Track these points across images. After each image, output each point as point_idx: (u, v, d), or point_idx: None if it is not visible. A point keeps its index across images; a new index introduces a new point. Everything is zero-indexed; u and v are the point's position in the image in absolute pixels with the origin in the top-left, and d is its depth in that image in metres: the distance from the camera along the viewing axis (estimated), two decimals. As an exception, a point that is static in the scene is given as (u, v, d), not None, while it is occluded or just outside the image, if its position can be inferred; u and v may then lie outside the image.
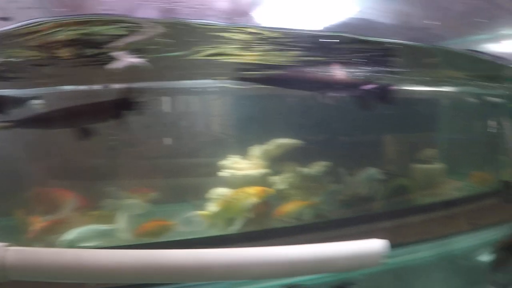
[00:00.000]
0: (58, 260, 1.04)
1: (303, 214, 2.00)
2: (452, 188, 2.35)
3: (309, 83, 1.47)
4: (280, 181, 2.12)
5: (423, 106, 2.40)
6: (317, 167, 2.13)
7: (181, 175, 2.25)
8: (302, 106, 2.19)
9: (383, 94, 1.56)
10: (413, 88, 2.33)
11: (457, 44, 2.12)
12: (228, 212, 2.00)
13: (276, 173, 2.13)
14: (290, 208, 1.99)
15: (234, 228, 1.95)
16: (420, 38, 1.90)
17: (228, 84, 2.11)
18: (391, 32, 1.74)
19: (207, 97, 2.21)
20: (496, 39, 2.12)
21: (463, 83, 2.28)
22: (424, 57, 1.89)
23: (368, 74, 1.80)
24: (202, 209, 2.02)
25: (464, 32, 2.07)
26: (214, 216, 1.99)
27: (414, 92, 2.35)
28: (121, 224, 1.83)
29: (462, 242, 2.19)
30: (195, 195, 2.06)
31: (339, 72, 1.54)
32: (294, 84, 1.52)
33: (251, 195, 1.98)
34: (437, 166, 2.38)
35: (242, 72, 1.63)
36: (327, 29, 1.44)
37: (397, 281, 1.95)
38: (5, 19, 1.00)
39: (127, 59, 1.05)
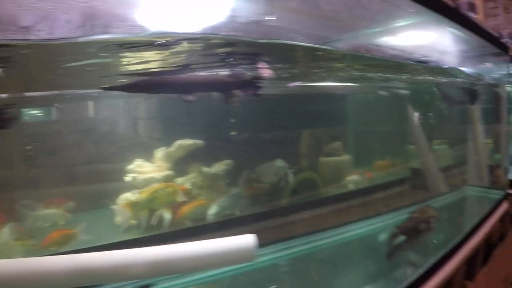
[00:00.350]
0: None
1: (202, 214, 2.04)
2: (359, 179, 2.44)
3: (175, 86, 1.49)
4: (184, 182, 2.15)
5: (329, 101, 2.48)
6: (220, 166, 2.17)
7: (92, 182, 2.25)
8: (205, 106, 2.22)
9: (253, 89, 1.60)
10: (316, 84, 2.41)
11: (352, 38, 2.21)
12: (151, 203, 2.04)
13: (179, 174, 2.16)
14: (187, 209, 2.02)
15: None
16: (311, 36, 1.97)
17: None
18: (284, 32, 1.80)
19: (106, 103, 2.21)
20: (391, 31, 2.22)
21: (365, 77, 2.36)
22: (317, 54, 1.96)
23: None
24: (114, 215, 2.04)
25: (358, 27, 2.16)
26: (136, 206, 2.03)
27: (318, 88, 2.42)
28: (4, 237, 1.81)
29: (367, 227, 2.29)
30: (108, 201, 2.07)
31: (208, 72, 1.57)
32: (159, 88, 1.54)
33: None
34: (344, 158, 2.47)
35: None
36: (206, 31, 1.47)
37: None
38: None
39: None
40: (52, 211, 2.08)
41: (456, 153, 2.94)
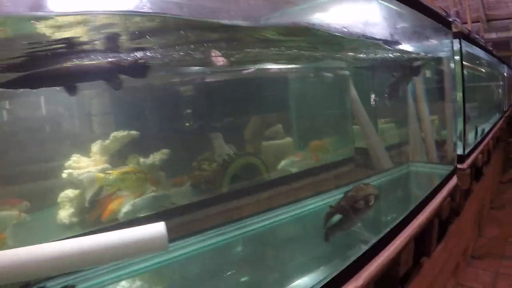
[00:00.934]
0: None
1: (134, 208, 2.06)
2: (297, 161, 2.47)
3: (57, 77, 1.49)
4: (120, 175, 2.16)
5: (269, 84, 2.50)
6: (157, 156, 2.19)
7: (32, 180, 2.25)
8: (142, 96, 2.23)
9: (137, 70, 1.61)
10: (255, 68, 2.42)
11: (280, 17, 2.21)
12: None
13: (117, 167, 2.16)
14: (115, 206, 2.04)
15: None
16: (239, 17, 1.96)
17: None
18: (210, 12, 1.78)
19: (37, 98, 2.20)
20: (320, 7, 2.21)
21: (303, 57, 2.38)
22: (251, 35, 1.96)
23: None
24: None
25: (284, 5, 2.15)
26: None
27: (257, 72, 2.44)
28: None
29: (309, 206, 2.32)
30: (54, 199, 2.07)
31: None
32: (42, 82, 1.53)
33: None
34: (285, 141, 2.50)
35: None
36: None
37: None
38: None
39: None
40: (7, 212, 2.08)
41: (401, 131, 2.99)
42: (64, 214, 2.11)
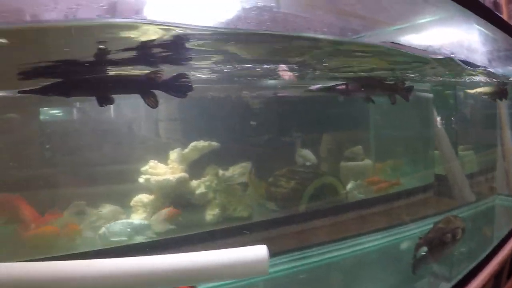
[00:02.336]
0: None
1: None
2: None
3: (93, 87, 1.43)
4: (198, 185, 2.08)
5: (349, 103, 2.39)
6: (236, 169, 2.11)
7: (108, 182, 2.23)
8: (223, 108, 2.17)
9: (176, 88, 1.52)
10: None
11: (375, 36, 2.12)
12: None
13: (194, 176, 2.10)
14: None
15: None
16: (334, 32, 1.88)
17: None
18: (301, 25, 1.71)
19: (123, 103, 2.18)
20: (414, 28, 2.13)
21: (390, 77, 2.27)
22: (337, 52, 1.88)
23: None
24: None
25: (381, 24, 2.08)
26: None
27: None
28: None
29: (391, 236, 2.17)
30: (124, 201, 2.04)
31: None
32: (77, 91, 1.49)
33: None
34: (364, 163, 2.37)
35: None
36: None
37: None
38: None
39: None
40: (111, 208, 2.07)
41: (483, 159, 2.79)
42: (136, 218, 2.06)
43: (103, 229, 1.90)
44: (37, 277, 0.92)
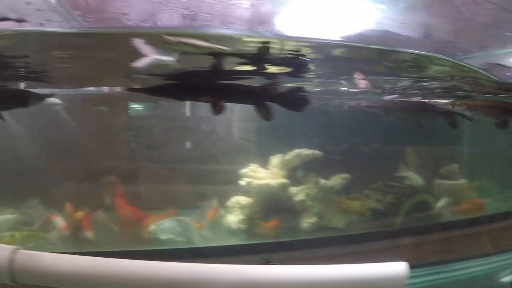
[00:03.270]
0: (66, 266, 1.04)
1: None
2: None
3: (204, 93, 1.41)
4: (298, 192, 2.08)
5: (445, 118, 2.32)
6: (337, 180, 2.09)
7: (202, 181, 2.27)
8: (326, 117, 2.15)
9: (292, 101, 1.48)
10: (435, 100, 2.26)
11: (481, 57, 2.05)
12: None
13: (293, 183, 2.09)
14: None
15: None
16: (441, 50, 1.83)
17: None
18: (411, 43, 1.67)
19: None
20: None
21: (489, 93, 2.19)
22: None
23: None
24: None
25: (489, 46, 2.00)
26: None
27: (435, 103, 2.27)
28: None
29: (485, 264, 2.10)
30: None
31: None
32: (187, 94, 1.47)
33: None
34: (460, 182, 2.30)
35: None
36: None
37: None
38: (19, 21, 0.99)
39: (153, 56, 1.02)
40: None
41: None
42: (233, 219, 2.08)
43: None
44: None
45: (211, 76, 1.55)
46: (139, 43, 0.92)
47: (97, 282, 1.05)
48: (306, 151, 2.09)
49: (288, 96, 1.51)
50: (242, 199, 2.12)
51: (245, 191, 2.11)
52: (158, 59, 1.04)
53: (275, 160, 2.12)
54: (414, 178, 2.20)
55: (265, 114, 1.47)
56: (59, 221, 1.84)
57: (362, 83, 2.06)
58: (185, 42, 0.94)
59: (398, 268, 1.07)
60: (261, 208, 2.08)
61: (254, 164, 2.12)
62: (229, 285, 1.00)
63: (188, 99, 1.81)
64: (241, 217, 2.09)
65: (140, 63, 1.03)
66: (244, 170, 2.11)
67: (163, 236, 1.86)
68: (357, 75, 1.96)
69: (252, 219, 2.06)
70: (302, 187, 2.09)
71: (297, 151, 2.09)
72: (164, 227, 1.86)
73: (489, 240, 2.20)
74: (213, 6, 1.08)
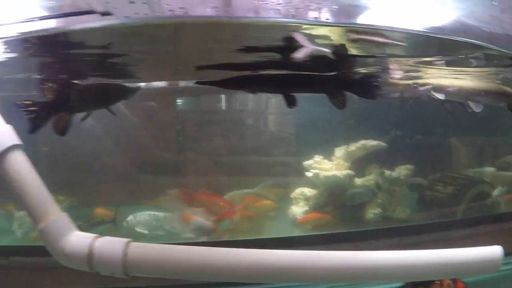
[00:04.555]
0: (180, 257, 1.04)
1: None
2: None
3: (273, 84, 1.41)
4: (362, 183, 2.11)
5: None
6: (402, 171, 2.11)
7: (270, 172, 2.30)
8: (389, 109, 2.16)
9: (365, 89, 1.47)
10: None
11: None
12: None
13: (357, 174, 2.12)
14: None
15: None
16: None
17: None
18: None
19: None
20: None
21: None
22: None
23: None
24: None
25: None
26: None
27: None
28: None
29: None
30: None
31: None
32: (256, 86, 1.47)
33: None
34: (518, 174, 2.33)
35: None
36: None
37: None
38: (105, 14, 0.97)
39: (311, 47, 1.02)
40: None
41: None
42: (297, 210, 2.12)
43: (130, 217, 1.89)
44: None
45: (282, 67, 1.55)
46: (298, 35, 0.92)
47: (211, 271, 1.06)
48: (371, 142, 2.11)
49: (362, 83, 1.50)
50: (307, 190, 2.15)
51: (309, 182, 2.14)
52: (318, 50, 1.05)
53: (340, 151, 2.14)
54: (478, 170, 2.21)
55: (340, 102, 1.47)
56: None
57: (398, 74, 2.07)
58: (366, 39, 0.95)
59: (493, 251, 1.11)
60: (326, 199, 2.10)
61: (319, 156, 2.14)
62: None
63: (260, 91, 1.81)
64: (306, 208, 2.12)
65: (300, 53, 1.04)
66: (308, 162, 2.14)
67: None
68: (393, 66, 1.97)
69: (316, 210, 2.09)
70: (366, 178, 2.12)
71: (362, 142, 2.11)
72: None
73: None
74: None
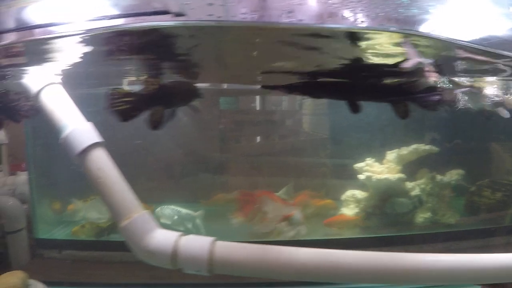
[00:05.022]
0: (268, 257, 1.04)
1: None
2: None
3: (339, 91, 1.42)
4: (413, 187, 2.12)
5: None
6: (453, 175, 2.12)
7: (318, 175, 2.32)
8: (439, 114, 2.18)
9: (431, 100, 1.48)
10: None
11: None
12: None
13: (408, 178, 2.13)
14: None
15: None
16: None
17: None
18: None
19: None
20: None
21: None
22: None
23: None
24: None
25: None
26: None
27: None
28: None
29: None
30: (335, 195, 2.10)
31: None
32: (322, 93, 1.48)
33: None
34: None
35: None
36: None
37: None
38: (179, 14, 0.97)
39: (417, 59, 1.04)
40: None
41: None
42: (347, 212, 2.13)
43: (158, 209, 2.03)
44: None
45: (347, 74, 1.56)
46: (407, 45, 0.93)
47: (299, 271, 1.06)
48: (423, 146, 2.12)
49: (425, 95, 1.51)
50: (358, 193, 2.16)
51: (360, 185, 2.15)
52: (421, 62, 1.06)
53: (392, 155, 2.15)
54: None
55: (403, 112, 1.48)
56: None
57: (432, 76, 2.08)
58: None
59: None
60: (377, 202, 2.11)
61: (371, 159, 2.16)
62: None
63: (325, 97, 1.83)
64: (357, 210, 2.13)
65: (407, 64, 1.06)
66: (360, 165, 2.15)
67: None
68: (428, 68, 1.99)
69: (367, 213, 2.11)
70: (417, 182, 2.13)
71: (415, 146, 2.13)
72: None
73: None
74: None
